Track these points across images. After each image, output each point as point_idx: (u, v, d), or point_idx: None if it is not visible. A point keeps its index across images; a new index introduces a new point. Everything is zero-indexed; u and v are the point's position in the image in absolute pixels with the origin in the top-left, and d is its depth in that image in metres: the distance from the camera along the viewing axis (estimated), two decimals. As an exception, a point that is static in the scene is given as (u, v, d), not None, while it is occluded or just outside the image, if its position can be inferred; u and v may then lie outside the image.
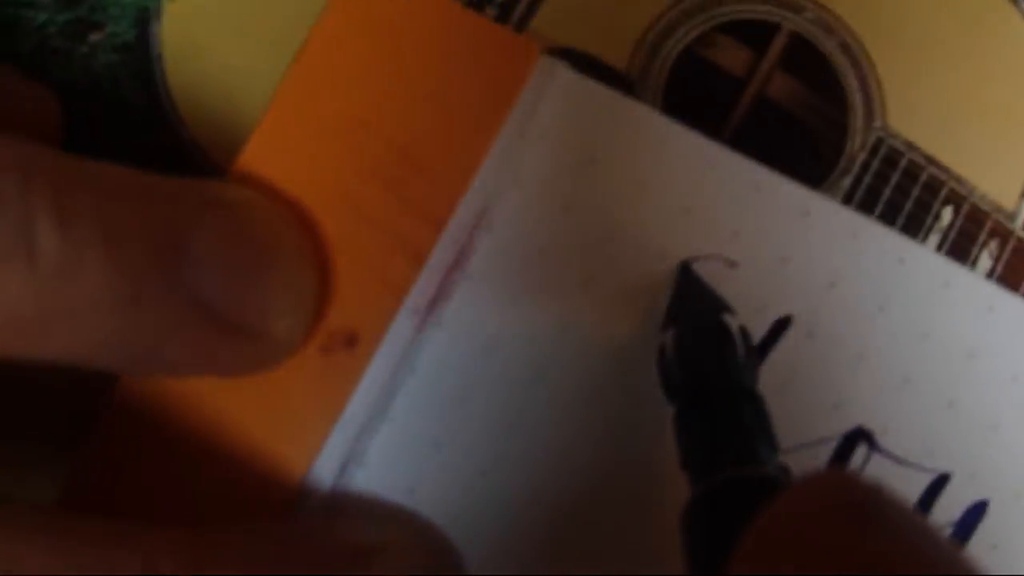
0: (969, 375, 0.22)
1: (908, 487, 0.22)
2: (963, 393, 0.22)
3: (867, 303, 0.21)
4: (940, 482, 0.22)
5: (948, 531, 0.22)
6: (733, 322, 0.21)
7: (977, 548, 0.22)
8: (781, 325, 0.22)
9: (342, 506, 0.21)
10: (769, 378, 0.21)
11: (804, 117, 0.22)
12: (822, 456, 0.21)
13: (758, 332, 0.21)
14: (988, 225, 0.22)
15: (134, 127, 0.21)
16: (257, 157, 0.20)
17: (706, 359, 0.21)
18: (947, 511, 0.22)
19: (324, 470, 0.20)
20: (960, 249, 0.22)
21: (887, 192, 0.22)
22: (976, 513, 0.22)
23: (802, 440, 0.21)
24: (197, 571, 0.18)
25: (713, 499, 0.19)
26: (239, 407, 0.20)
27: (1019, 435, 0.22)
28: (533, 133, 0.20)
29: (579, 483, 0.22)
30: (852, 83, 0.22)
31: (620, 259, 0.21)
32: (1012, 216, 0.22)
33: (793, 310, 0.21)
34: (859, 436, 0.21)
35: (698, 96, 0.22)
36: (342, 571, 0.19)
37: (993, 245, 0.22)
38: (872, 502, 0.15)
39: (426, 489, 0.21)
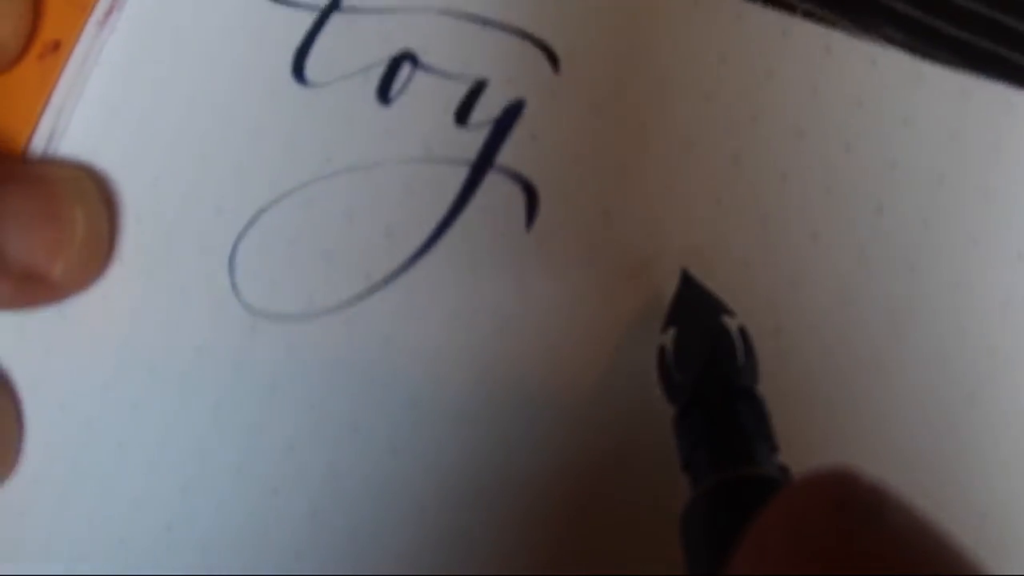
0: None
1: (450, 96, 0.27)
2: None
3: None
4: (478, 88, 0.26)
5: (488, 128, 0.26)
6: (732, 324, 0.23)
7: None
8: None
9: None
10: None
11: None
12: (373, 79, 0.27)
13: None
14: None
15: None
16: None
17: (706, 360, 0.22)
18: (486, 112, 0.26)
19: (39, 142, 0.28)
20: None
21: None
22: (514, 111, 0.26)
23: (355, 68, 0.27)
24: None
25: (713, 499, 0.19)
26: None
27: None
28: None
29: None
30: None
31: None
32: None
33: None
34: (403, 58, 0.27)
35: None
36: (31, 188, 0.27)
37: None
38: (872, 501, 0.15)
39: (107, 153, 0.28)
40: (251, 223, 0.25)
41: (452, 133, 0.25)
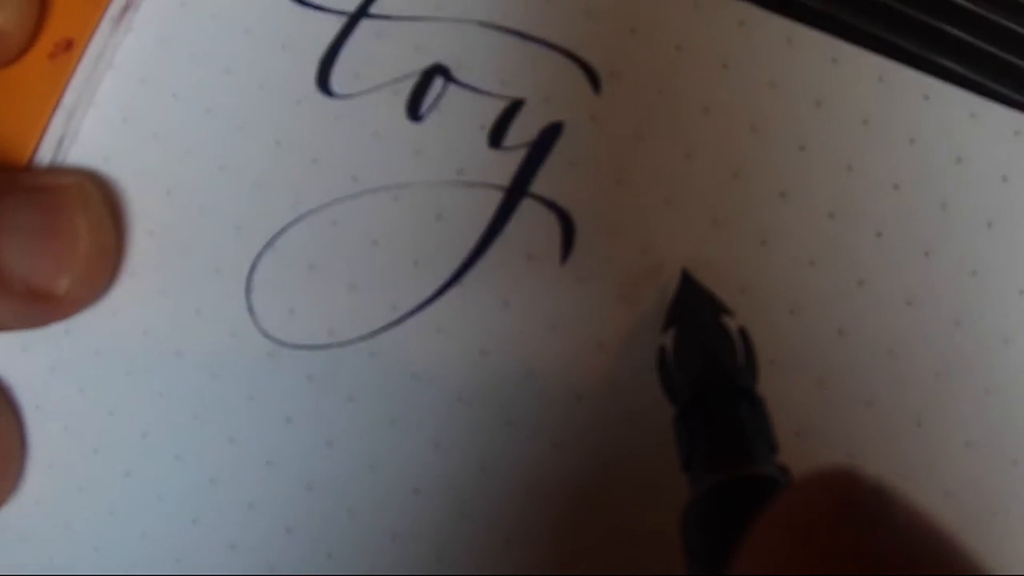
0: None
1: (484, 115, 0.25)
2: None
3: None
4: (514, 108, 0.25)
5: (524, 152, 0.25)
6: (732, 324, 0.23)
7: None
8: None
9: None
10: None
11: None
12: (403, 92, 0.25)
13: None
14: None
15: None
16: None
17: (705, 360, 0.22)
18: (522, 134, 0.25)
19: (47, 147, 0.27)
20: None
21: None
22: (552, 134, 0.25)
23: (384, 80, 0.25)
24: None
25: (713, 500, 0.19)
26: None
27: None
28: None
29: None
30: None
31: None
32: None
33: None
34: (436, 71, 0.25)
35: None
36: (30, 199, 0.25)
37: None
38: (876, 500, 0.15)
39: (119, 162, 0.26)
40: (271, 243, 0.24)
41: (486, 155, 0.23)
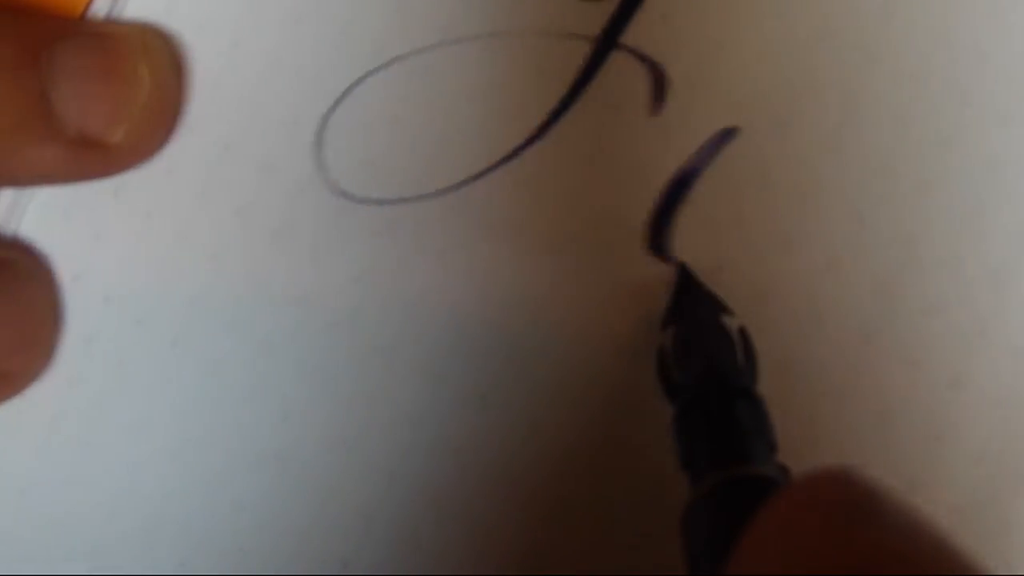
0: None
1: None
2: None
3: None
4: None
5: (615, 2, 0.24)
6: (732, 323, 0.23)
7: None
8: None
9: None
10: None
11: None
12: None
13: None
14: None
15: None
16: None
17: (705, 359, 0.22)
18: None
19: (101, 1, 0.25)
20: None
21: None
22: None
23: None
24: None
25: (713, 499, 0.19)
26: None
27: None
28: None
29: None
30: None
31: None
32: None
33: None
34: None
35: None
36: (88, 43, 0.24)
37: None
38: (869, 501, 0.15)
39: (179, 13, 0.25)
40: (346, 94, 0.23)
41: (575, 5, 0.22)
